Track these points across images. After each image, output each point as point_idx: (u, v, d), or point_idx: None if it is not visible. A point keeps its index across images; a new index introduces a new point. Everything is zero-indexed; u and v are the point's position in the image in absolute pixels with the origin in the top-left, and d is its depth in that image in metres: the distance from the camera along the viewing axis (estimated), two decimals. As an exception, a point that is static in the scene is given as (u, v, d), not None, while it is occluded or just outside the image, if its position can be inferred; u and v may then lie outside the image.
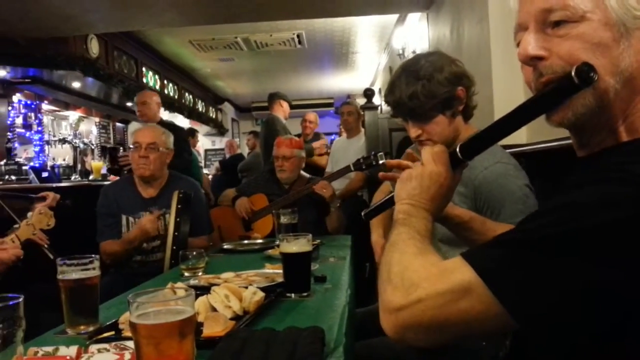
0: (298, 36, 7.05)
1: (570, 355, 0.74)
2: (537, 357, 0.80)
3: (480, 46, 3.14)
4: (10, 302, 0.83)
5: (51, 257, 2.32)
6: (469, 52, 3.41)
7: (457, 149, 0.98)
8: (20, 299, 0.85)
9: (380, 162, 2.84)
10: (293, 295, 1.56)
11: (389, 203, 1.05)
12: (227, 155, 8.37)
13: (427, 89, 1.55)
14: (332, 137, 7.51)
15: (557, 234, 0.67)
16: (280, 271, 1.66)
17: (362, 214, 1.23)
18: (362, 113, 4.49)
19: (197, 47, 7.28)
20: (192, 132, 7.41)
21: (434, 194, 0.97)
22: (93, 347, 1.03)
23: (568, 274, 0.65)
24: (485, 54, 3.01)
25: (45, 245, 2.41)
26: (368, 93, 4.59)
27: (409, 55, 5.72)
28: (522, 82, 0.85)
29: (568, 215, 0.68)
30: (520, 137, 2.54)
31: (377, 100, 5.81)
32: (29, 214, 1.89)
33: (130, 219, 2.60)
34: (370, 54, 8.41)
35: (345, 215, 3.21)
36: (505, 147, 2.25)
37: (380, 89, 8.87)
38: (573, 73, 0.75)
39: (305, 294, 1.57)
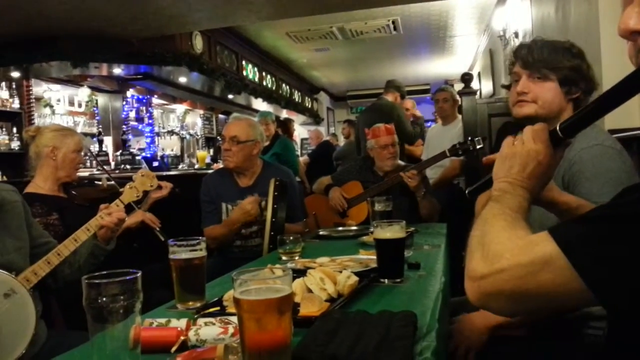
0: (393, 22, 6.98)
1: None
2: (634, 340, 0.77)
3: (589, 26, 2.93)
4: (131, 276, 0.93)
5: (162, 239, 2.52)
6: (575, 33, 3.19)
7: (558, 127, 0.98)
8: (139, 274, 0.94)
9: (478, 147, 2.76)
10: (386, 280, 1.58)
11: (492, 181, 1.05)
12: (313, 146, 8.49)
13: (559, 53, 1.55)
14: (428, 124, 7.37)
15: None
16: (374, 257, 1.68)
17: (466, 191, 1.23)
18: (459, 99, 4.37)
19: (293, 38, 7.44)
20: (288, 122, 7.61)
21: (532, 172, 0.97)
22: (200, 321, 1.12)
23: None
24: (594, 34, 2.80)
25: (157, 228, 2.61)
26: (466, 77, 4.45)
27: (510, 37, 5.46)
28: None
29: None
30: (631, 120, 2.36)
31: (476, 84, 5.62)
32: (133, 176, 1.98)
33: (229, 206, 2.73)
34: (468, 37, 8.13)
35: (441, 203, 3.16)
36: (617, 131, 2.10)
37: (479, 73, 8.55)
38: None
39: (398, 280, 1.58)
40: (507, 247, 0.78)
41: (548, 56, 1.55)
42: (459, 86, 4.51)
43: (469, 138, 2.87)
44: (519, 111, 1.59)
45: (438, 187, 3.87)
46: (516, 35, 5.20)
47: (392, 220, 1.65)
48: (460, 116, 4.37)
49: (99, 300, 0.90)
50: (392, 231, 1.59)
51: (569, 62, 1.54)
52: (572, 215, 1.22)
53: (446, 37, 8.10)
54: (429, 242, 2.23)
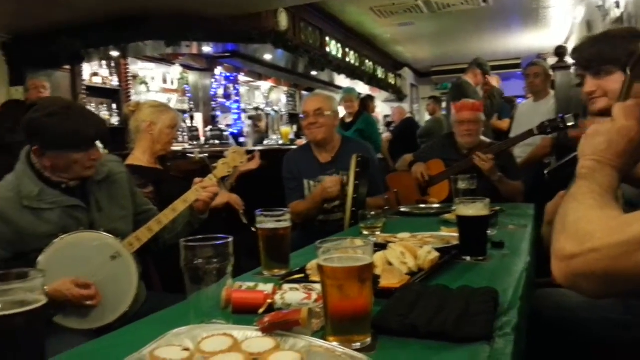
0: (483, -6, 6.69)
1: None
2: None
3: None
4: (223, 241, 1.00)
5: (244, 222, 2.61)
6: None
7: None
8: (230, 239, 1.02)
9: (569, 124, 2.62)
10: (468, 258, 1.57)
11: (574, 161, 1.01)
12: (395, 122, 8.38)
13: (615, 43, 1.47)
14: (518, 100, 7.05)
15: None
16: (456, 234, 1.67)
17: (545, 172, 1.20)
18: (551, 73, 4.15)
19: (377, 13, 7.34)
20: (370, 99, 7.56)
21: (622, 150, 0.92)
22: (286, 286, 1.18)
23: None
24: None
25: (241, 211, 2.72)
26: (560, 51, 4.22)
27: (610, 7, 5.07)
28: None
29: None
30: None
31: (571, 58, 5.29)
32: (225, 152, 2.08)
33: (311, 182, 2.79)
34: (564, 8, 7.62)
35: (529, 183, 3.05)
36: None
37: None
38: None
39: (480, 257, 1.57)
40: (599, 227, 0.77)
41: (603, 51, 1.47)
42: (552, 60, 4.28)
43: (560, 115, 2.73)
44: (593, 108, 1.55)
45: (527, 166, 3.73)
46: (617, 4, 4.81)
47: (476, 197, 1.63)
48: (552, 92, 4.16)
49: (195, 262, 0.98)
50: (475, 209, 1.58)
51: (628, 48, 1.45)
52: None
53: (539, 8, 7.64)
54: (514, 222, 2.18)
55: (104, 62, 6.46)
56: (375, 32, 8.53)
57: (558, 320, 1.46)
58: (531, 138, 3.08)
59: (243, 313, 1.09)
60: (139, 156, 2.56)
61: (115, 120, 6.54)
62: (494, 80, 5.34)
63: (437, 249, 1.48)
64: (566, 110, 3.71)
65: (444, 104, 7.00)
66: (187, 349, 0.83)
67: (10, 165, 1.76)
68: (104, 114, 6.39)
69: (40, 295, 0.78)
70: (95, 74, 6.38)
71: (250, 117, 8.50)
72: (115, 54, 5.88)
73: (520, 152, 3.85)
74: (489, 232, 1.70)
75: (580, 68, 1.60)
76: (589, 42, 1.53)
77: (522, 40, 9.61)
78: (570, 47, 7.17)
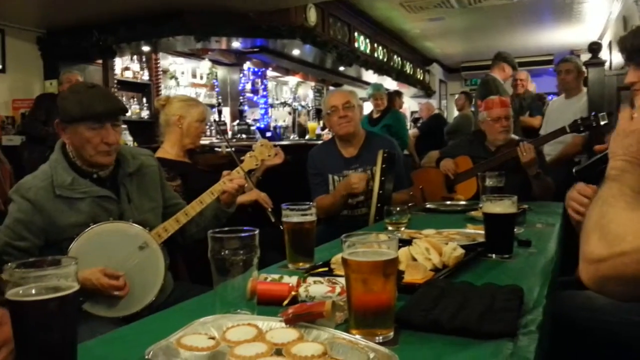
0: (515, -12, 6.57)
1: None
2: None
3: None
4: (249, 233, 1.02)
5: (272, 219, 2.63)
6: None
7: None
8: (256, 231, 1.03)
9: (602, 122, 2.56)
10: (494, 255, 1.56)
11: (604, 160, 0.99)
12: (423, 119, 8.31)
13: None
14: (550, 97, 6.91)
15: None
16: (482, 232, 1.66)
17: (574, 170, 1.18)
18: (584, 70, 4.06)
19: (407, 8, 7.28)
20: (398, 94, 7.51)
21: None
22: (310, 279, 1.20)
23: None
24: None
25: (269, 209, 2.74)
26: (594, 47, 4.12)
27: (648, 1, 4.93)
28: None
29: None
30: None
31: (605, 55, 5.17)
32: (253, 145, 2.11)
33: (336, 177, 2.80)
34: (599, 3, 7.43)
35: (558, 181, 2.99)
36: None
37: (610, 43, 7.82)
38: None
39: (506, 255, 1.55)
40: (630, 229, 0.75)
41: None
42: (585, 57, 4.19)
43: (593, 113, 2.67)
44: (637, 99, 1.51)
45: (557, 164, 3.66)
46: (656, -1, 4.69)
47: (503, 195, 1.61)
48: (585, 89, 4.07)
49: (222, 253, 1.00)
50: (502, 206, 1.56)
51: None
52: None
53: (574, 4, 7.47)
54: (542, 220, 2.15)
55: (135, 57, 6.58)
56: (404, 27, 8.46)
57: (582, 321, 1.43)
58: (562, 136, 3.03)
59: (267, 304, 1.11)
60: (168, 149, 2.60)
61: (145, 114, 6.65)
62: (528, 82, 5.26)
63: (463, 246, 1.47)
64: (599, 108, 3.64)
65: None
66: (212, 338, 0.85)
67: (44, 156, 1.82)
68: (134, 107, 6.51)
69: (73, 281, 0.80)
70: (126, 68, 6.50)
71: (292, 111, 8.56)
72: (146, 48, 5.97)
73: (551, 149, 3.79)
74: (515, 230, 1.69)
75: (624, 59, 1.56)
76: (634, 33, 1.50)
77: (555, 36, 9.41)
78: (605, 43, 7.01)
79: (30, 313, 0.77)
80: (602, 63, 4.02)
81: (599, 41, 5.78)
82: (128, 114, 6.27)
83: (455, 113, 8.35)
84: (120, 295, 1.65)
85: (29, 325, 0.78)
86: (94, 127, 1.69)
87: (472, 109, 6.62)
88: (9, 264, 0.79)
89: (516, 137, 3.11)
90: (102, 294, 1.62)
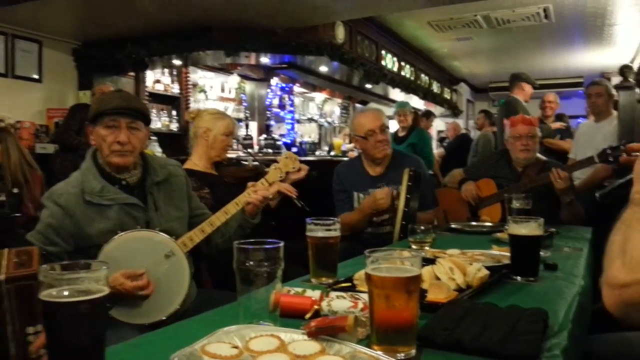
0: (545, 10, 6.53)
1: None
2: None
3: None
4: (274, 245, 1.03)
5: (299, 205, 2.63)
6: None
7: None
8: (281, 244, 1.05)
9: (634, 154, 2.51)
10: (519, 278, 1.54)
11: (628, 184, 0.98)
12: (449, 138, 8.26)
13: None
14: (579, 120, 6.83)
15: None
16: (508, 254, 1.64)
17: (597, 194, 1.17)
18: (615, 93, 4.00)
19: (435, 27, 7.30)
20: (427, 115, 7.51)
21: None
22: (333, 294, 1.20)
23: None
24: None
25: (294, 196, 2.75)
26: (625, 70, 4.06)
27: (683, 25, 4.85)
28: None
29: None
30: None
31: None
32: (278, 158, 2.13)
33: (361, 195, 2.80)
34: (631, 26, 7.33)
35: (587, 206, 2.94)
36: None
37: (642, 66, 7.70)
38: None
39: (532, 278, 1.54)
40: None
41: None
42: (616, 80, 4.14)
43: (623, 142, 2.63)
44: None
45: (585, 189, 3.59)
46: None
47: (530, 217, 1.59)
48: (615, 113, 4.00)
49: (247, 264, 1.02)
50: (528, 228, 1.55)
51: None
52: None
53: (604, 26, 7.39)
54: (570, 244, 2.12)
55: (166, 70, 6.72)
56: (432, 46, 8.48)
57: None
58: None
59: (290, 317, 1.11)
60: (196, 161, 2.65)
61: (174, 127, 6.77)
62: (551, 97, 5.21)
63: (487, 267, 1.46)
64: (630, 132, 3.58)
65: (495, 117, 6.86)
66: (235, 347, 0.86)
67: (76, 165, 1.87)
68: (164, 120, 6.63)
69: (103, 285, 0.83)
70: (157, 81, 6.64)
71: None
72: (177, 62, 6.10)
73: (580, 173, 3.73)
74: (542, 253, 1.67)
75: None
76: None
77: (585, 58, 9.31)
78: (636, 66, 6.90)
79: (62, 314, 0.80)
80: (632, 86, 3.95)
81: (631, 64, 5.70)
82: (158, 126, 6.40)
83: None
84: (145, 294, 1.67)
85: (61, 326, 0.80)
86: (109, 125, 1.75)
87: (494, 128, 6.56)
88: (44, 265, 0.82)
89: (543, 158, 3.07)
90: (128, 298, 1.65)
